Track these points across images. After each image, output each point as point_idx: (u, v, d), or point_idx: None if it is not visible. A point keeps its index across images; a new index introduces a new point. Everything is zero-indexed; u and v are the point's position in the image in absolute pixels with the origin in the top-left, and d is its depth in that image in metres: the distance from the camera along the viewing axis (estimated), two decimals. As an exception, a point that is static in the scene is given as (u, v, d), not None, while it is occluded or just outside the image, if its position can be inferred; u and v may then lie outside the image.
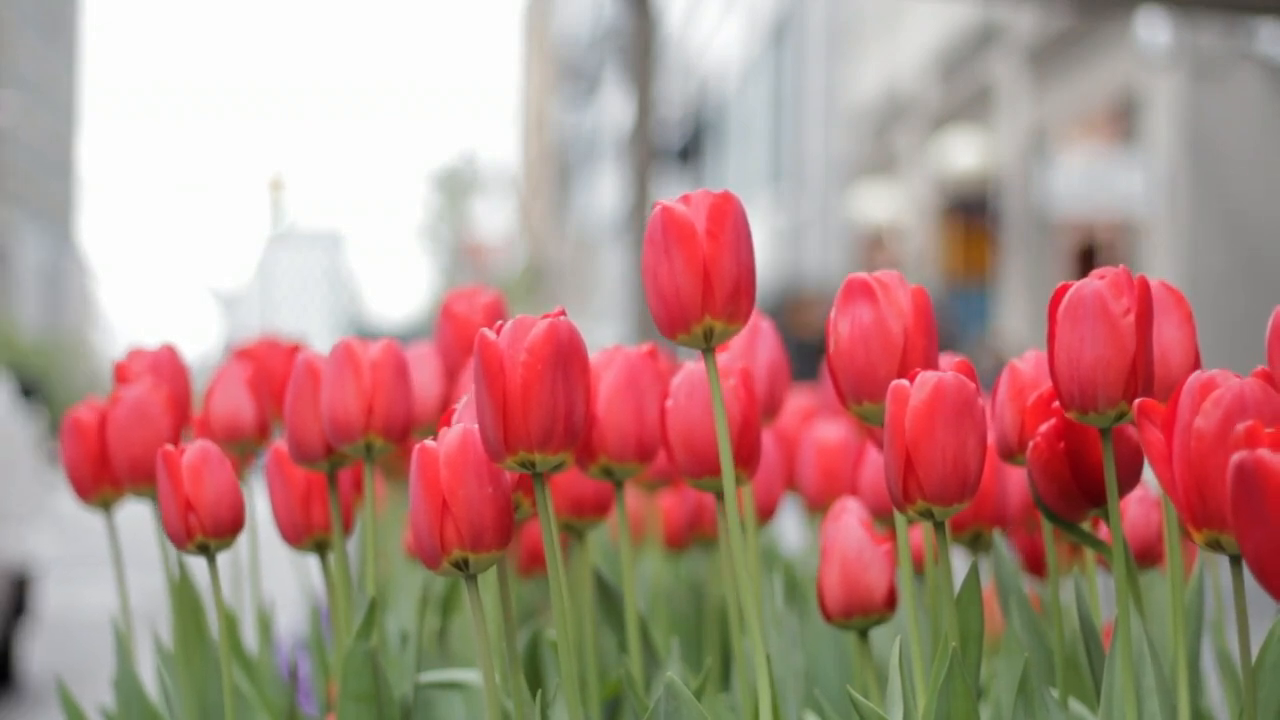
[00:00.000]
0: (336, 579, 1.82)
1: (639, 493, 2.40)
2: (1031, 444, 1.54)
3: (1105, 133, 15.03)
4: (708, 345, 1.48)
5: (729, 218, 1.46)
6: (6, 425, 7.32)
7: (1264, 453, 1.08)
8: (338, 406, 1.72)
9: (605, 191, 41.09)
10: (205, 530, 1.66)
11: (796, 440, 2.41)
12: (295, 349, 2.37)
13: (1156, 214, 13.30)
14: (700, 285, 1.45)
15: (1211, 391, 1.25)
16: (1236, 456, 1.09)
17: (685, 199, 1.47)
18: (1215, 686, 2.38)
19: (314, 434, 1.77)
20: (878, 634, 2.05)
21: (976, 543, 1.92)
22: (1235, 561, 1.30)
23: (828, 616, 1.69)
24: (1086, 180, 13.56)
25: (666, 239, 1.45)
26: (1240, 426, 1.14)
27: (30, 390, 10.90)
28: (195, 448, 1.67)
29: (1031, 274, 15.98)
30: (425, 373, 2.24)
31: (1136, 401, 1.32)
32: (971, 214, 17.77)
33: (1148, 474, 1.61)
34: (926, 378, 1.38)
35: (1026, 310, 15.86)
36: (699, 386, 1.66)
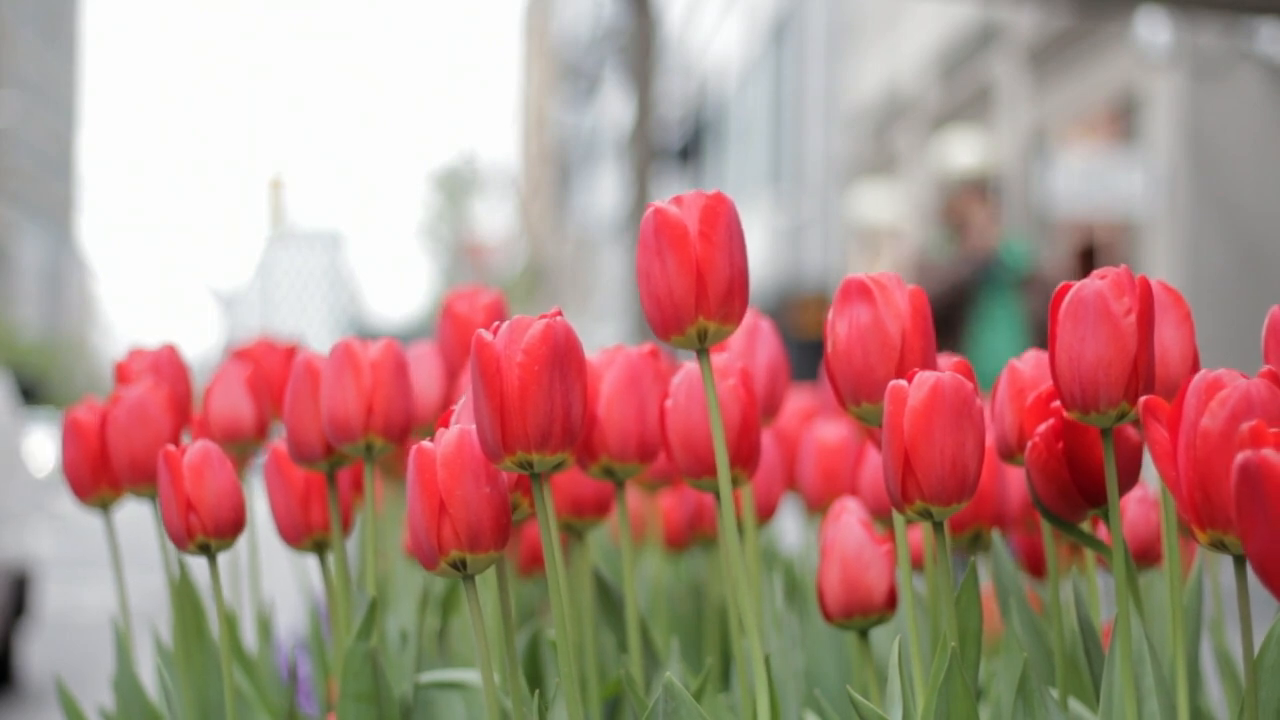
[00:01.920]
0: (336, 579, 1.81)
1: (639, 492, 2.40)
2: (1029, 445, 1.54)
3: (1105, 132, 15.03)
4: (702, 346, 1.48)
5: (721, 219, 1.46)
6: (6, 425, 7.31)
7: (1268, 453, 1.08)
8: (338, 406, 1.72)
9: (605, 191, 41.09)
10: (206, 530, 1.66)
11: (796, 440, 2.41)
12: (293, 349, 2.37)
13: (1156, 214, 13.30)
14: (693, 286, 1.45)
15: (1217, 391, 1.25)
16: (1240, 457, 1.08)
17: (678, 200, 1.47)
18: (1215, 686, 2.38)
19: (314, 434, 1.77)
20: (878, 634, 2.05)
21: (976, 543, 1.92)
22: (1238, 561, 1.30)
23: (828, 616, 1.69)
24: (1086, 180, 13.55)
25: (659, 241, 1.45)
26: (1244, 426, 1.14)
27: (30, 391, 10.91)
28: (196, 448, 1.66)
29: (1031, 274, 15.96)
30: (425, 373, 2.24)
31: (1142, 400, 1.31)
32: (971, 214, 17.74)
33: (1147, 473, 1.61)
34: (924, 378, 1.38)
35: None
36: (698, 386, 1.65)
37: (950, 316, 6.76)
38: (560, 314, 1.42)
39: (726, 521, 1.50)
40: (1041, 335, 6.67)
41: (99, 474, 1.99)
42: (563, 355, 1.40)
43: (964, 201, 7.08)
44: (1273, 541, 1.08)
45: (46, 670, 7.62)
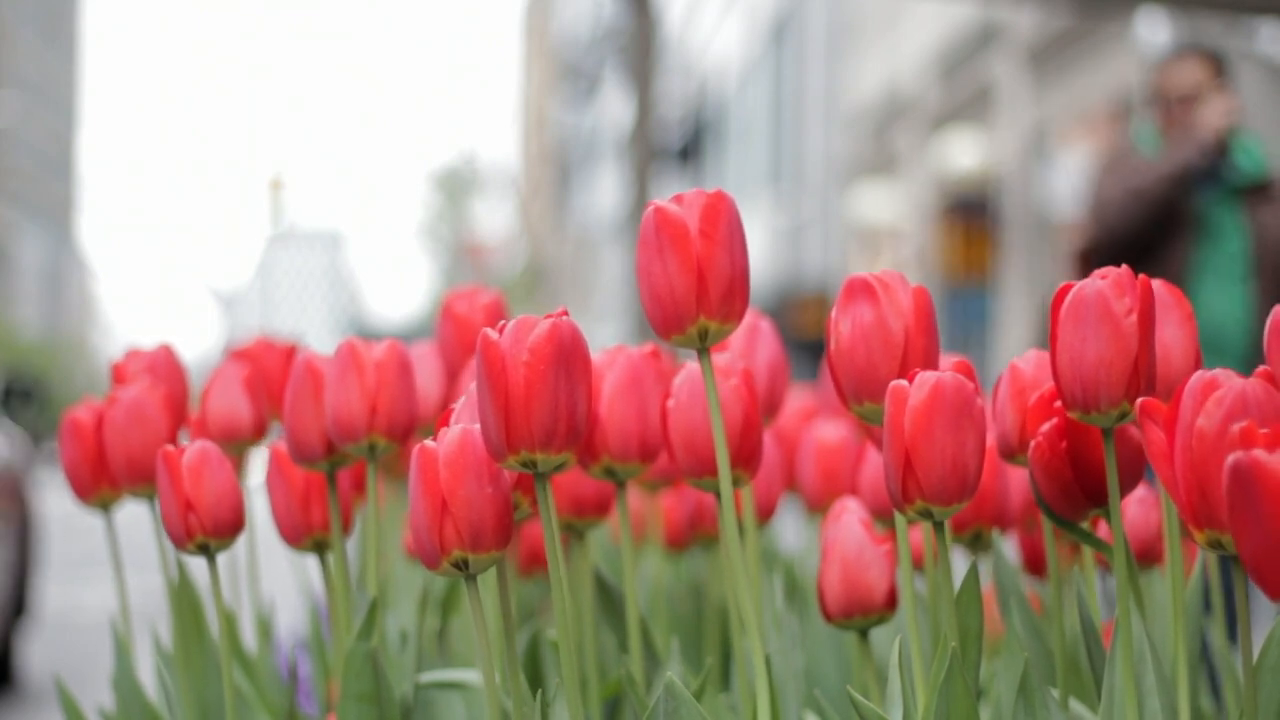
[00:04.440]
0: (336, 579, 1.81)
1: (640, 492, 2.40)
2: (1033, 444, 1.54)
3: (1105, 133, 15.02)
4: (702, 345, 1.48)
5: (722, 217, 1.46)
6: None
7: (1259, 453, 1.08)
8: (342, 406, 1.72)
9: (605, 191, 41.08)
10: (205, 530, 1.66)
11: (796, 440, 2.41)
12: (292, 350, 2.37)
13: (1156, 214, 13.28)
14: (694, 285, 1.45)
15: (1213, 391, 1.25)
16: (1231, 457, 1.09)
17: (679, 199, 1.47)
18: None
19: (314, 434, 1.77)
20: (878, 634, 2.05)
21: (976, 542, 1.92)
22: (1236, 562, 1.30)
23: (828, 616, 1.69)
24: (1086, 180, 13.55)
25: (660, 239, 1.45)
26: (1235, 427, 1.14)
27: (30, 390, 10.89)
28: (195, 448, 1.66)
29: (1031, 274, 15.98)
30: (425, 373, 2.24)
31: (1139, 401, 1.31)
32: (971, 214, 17.76)
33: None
34: (925, 378, 1.38)
35: (1026, 310, 15.86)
36: (700, 386, 1.65)
37: (1164, 224, 4.76)
38: (566, 313, 1.42)
39: (727, 521, 1.50)
40: (1274, 259, 4.80)
41: (98, 474, 1.99)
42: (568, 355, 1.40)
43: (1188, 75, 4.87)
44: (1265, 541, 1.08)
45: (46, 670, 7.61)
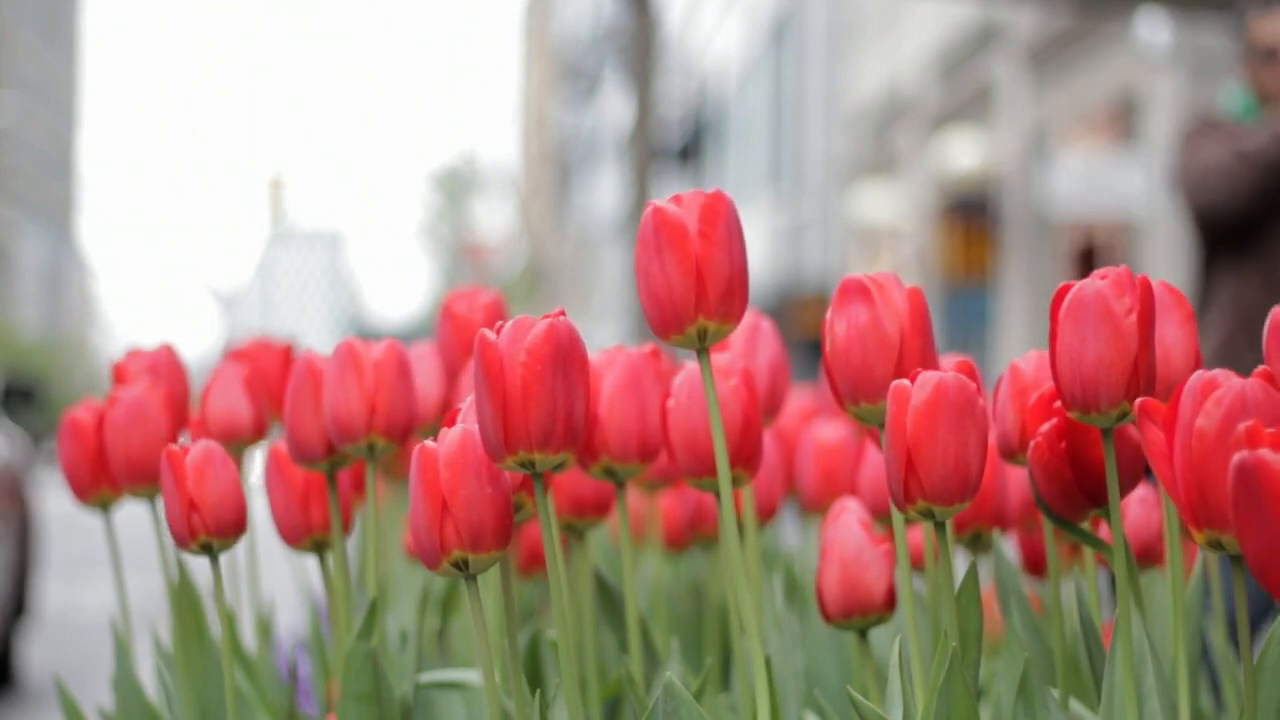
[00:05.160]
0: (336, 579, 1.81)
1: (640, 492, 2.40)
2: (1032, 444, 1.54)
3: (1105, 133, 15.02)
4: (701, 346, 1.48)
5: (721, 217, 1.46)
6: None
7: (1265, 452, 1.08)
8: (340, 406, 1.72)
9: (605, 191, 41.08)
10: (208, 530, 1.66)
11: (796, 440, 2.41)
12: (289, 349, 2.37)
13: (1156, 214, 13.30)
14: (693, 285, 1.45)
15: (1213, 391, 1.25)
16: (1237, 456, 1.09)
17: (677, 199, 1.47)
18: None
19: (314, 434, 1.77)
20: (878, 634, 2.05)
21: (976, 543, 1.92)
22: (1235, 561, 1.30)
23: (827, 617, 1.69)
24: (1086, 180, 13.54)
25: (659, 240, 1.45)
26: (1241, 426, 1.14)
27: (30, 390, 10.88)
28: (199, 447, 1.66)
29: (1031, 274, 15.98)
30: (425, 373, 2.24)
31: (1138, 401, 1.31)
32: (971, 214, 17.75)
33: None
34: (927, 378, 1.38)
35: (1026, 310, 15.86)
36: (700, 386, 1.65)
37: (1274, 197, 4.07)
38: (564, 314, 1.42)
39: (727, 521, 1.50)
40: None
41: (98, 474, 1.99)
42: (566, 355, 1.40)
43: None
44: (1270, 541, 1.08)
45: (46, 670, 7.61)
